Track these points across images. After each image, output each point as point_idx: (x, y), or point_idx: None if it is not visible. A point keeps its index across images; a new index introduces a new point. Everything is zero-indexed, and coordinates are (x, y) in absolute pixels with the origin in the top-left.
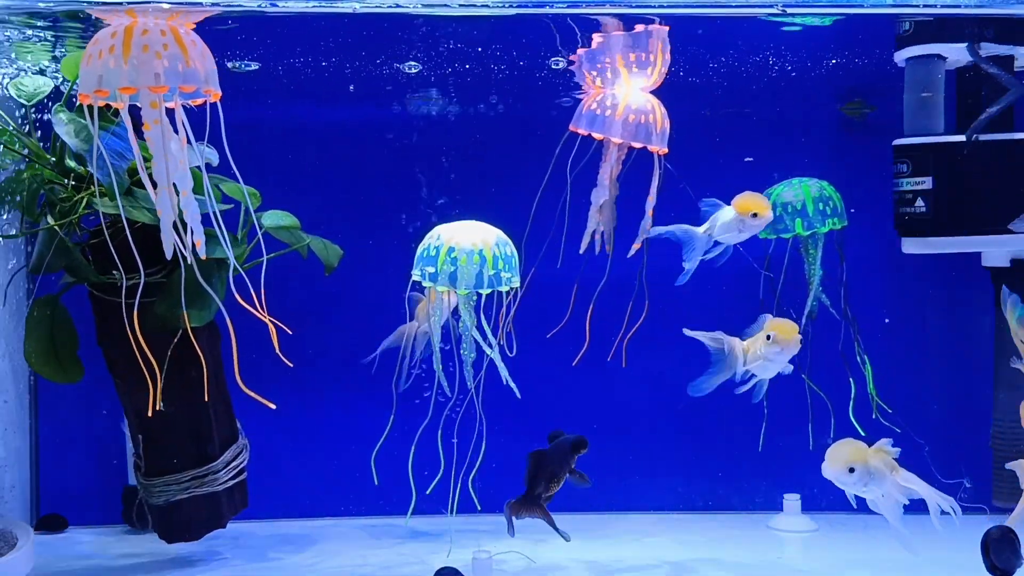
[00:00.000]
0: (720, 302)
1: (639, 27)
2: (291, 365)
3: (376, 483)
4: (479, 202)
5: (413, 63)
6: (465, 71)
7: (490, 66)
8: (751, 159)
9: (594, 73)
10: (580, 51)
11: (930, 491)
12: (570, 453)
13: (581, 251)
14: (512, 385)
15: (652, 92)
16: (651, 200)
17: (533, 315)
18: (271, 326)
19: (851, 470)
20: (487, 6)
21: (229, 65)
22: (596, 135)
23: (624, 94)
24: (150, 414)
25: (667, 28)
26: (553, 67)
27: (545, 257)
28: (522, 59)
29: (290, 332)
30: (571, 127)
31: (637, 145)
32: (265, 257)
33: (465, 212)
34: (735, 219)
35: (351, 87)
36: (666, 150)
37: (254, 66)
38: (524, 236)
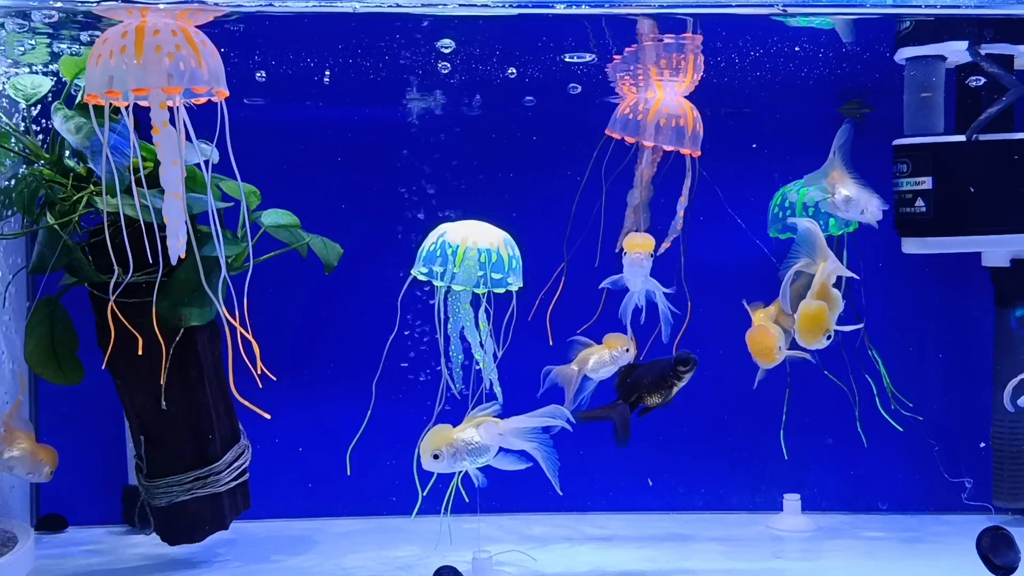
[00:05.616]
0: (735, 303)
1: (670, 37)
2: (275, 379)
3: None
4: (479, 202)
5: (412, 63)
6: (467, 71)
7: (493, 66)
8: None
9: (628, 78)
10: (616, 58)
11: (531, 420)
12: (675, 367)
13: (617, 251)
14: (497, 390)
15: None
16: (683, 201)
17: (559, 313)
18: (255, 345)
19: (435, 456)
20: (487, 6)
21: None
22: (629, 139)
23: (656, 99)
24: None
25: (700, 36)
26: (567, 63)
27: (576, 257)
28: (530, 59)
29: (256, 343)
30: (607, 131)
31: (669, 148)
32: (254, 258)
33: (465, 213)
34: (631, 260)
35: (352, 86)
36: (699, 152)
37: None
38: (566, 236)
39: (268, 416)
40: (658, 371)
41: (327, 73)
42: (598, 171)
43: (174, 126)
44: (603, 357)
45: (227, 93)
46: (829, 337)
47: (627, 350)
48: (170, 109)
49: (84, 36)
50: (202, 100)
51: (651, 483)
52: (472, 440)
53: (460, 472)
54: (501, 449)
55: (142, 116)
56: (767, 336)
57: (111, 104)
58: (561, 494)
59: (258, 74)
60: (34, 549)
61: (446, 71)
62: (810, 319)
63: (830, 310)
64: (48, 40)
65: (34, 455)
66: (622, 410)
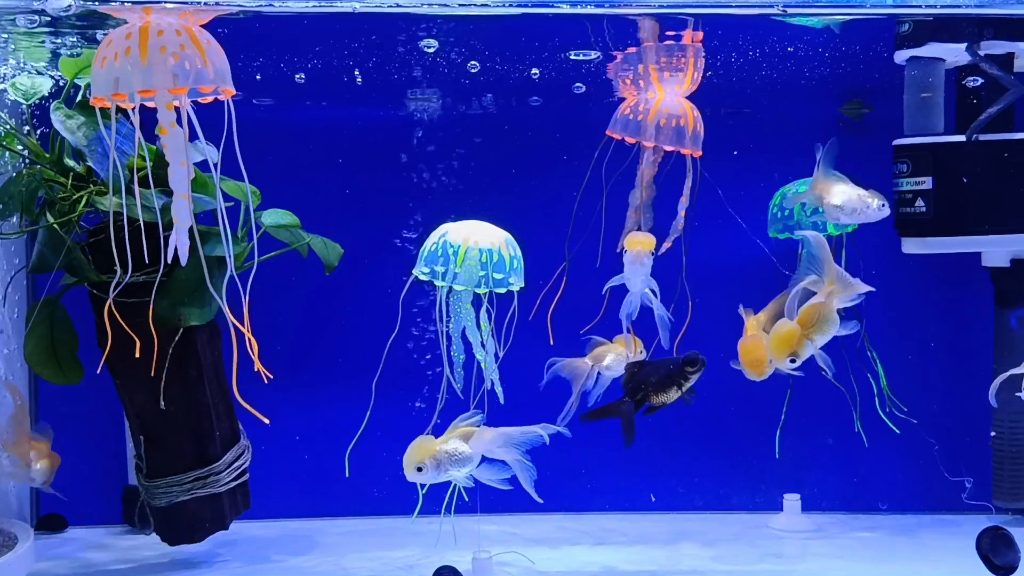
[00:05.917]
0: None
1: (670, 32)
2: (271, 377)
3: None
4: (480, 202)
5: (413, 63)
6: (468, 71)
7: (493, 67)
8: None
9: (628, 79)
10: (617, 56)
11: (518, 432)
12: (682, 367)
13: (618, 251)
14: (498, 390)
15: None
16: (684, 201)
17: (560, 313)
18: (253, 342)
19: (419, 469)
20: (487, 6)
21: None
22: (629, 139)
23: (656, 99)
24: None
25: (701, 35)
26: (572, 61)
27: (577, 257)
28: (533, 58)
29: (255, 343)
30: (608, 132)
31: (670, 148)
32: (257, 258)
33: (466, 213)
34: (632, 258)
35: (352, 86)
36: (700, 152)
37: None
38: (568, 236)
39: (267, 420)
40: (665, 371)
41: (354, 73)
42: (599, 171)
43: (181, 126)
44: (621, 356)
45: (233, 92)
46: (793, 361)
47: (640, 352)
48: (176, 109)
49: (99, 35)
50: (208, 99)
51: (653, 499)
52: (455, 451)
53: None
54: (483, 459)
55: (141, 115)
56: (760, 348)
57: (117, 106)
58: (541, 502)
59: (270, 75)
60: (34, 549)
61: (447, 71)
62: (780, 339)
63: (821, 333)
64: (54, 38)
65: (52, 466)
66: (628, 408)
